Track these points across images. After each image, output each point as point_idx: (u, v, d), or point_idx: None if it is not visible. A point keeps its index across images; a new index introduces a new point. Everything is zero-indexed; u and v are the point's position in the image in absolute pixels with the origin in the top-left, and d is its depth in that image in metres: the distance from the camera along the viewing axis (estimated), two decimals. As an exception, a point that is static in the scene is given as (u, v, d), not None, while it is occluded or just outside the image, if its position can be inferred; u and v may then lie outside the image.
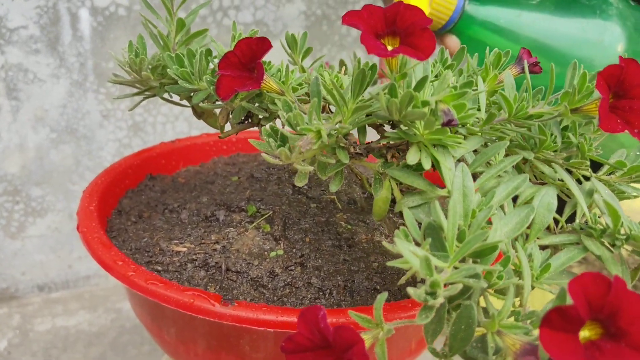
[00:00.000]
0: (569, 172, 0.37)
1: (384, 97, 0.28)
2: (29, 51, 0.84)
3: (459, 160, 0.33)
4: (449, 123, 0.26)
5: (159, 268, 0.39)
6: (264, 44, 0.30)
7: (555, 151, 0.35)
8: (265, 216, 0.43)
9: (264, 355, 0.37)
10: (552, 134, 0.35)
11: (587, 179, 0.37)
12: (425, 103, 0.27)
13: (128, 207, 0.47)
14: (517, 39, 0.54)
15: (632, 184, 0.36)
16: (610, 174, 0.36)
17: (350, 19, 0.27)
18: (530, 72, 0.37)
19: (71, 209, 0.95)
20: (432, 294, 0.24)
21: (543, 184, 0.35)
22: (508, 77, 0.35)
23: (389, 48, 0.27)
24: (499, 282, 0.26)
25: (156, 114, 0.95)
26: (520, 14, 0.55)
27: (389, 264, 0.26)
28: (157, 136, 0.96)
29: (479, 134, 0.33)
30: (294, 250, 0.40)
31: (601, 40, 0.53)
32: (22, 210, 0.91)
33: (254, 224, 0.42)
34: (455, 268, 0.26)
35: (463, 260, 0.28)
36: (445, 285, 0.26)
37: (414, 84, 0.29)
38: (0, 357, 0.84)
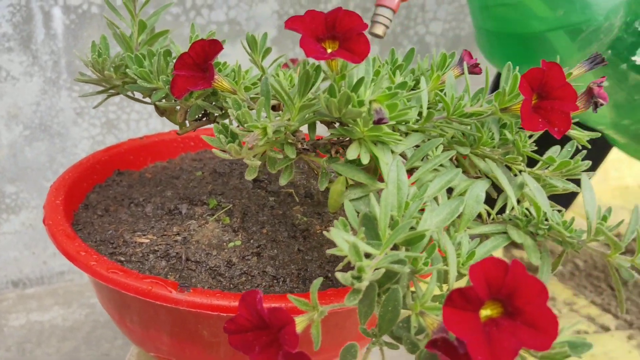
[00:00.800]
0: (509, 167, 0.40)
1: (324, 97, 0.30)
2: (2, 49, 0.85)
3: (401, 156, 0.36)
4: (379, 121, 0.29)
5: (122, 259, 0.41)
6: (215, 46, 0.32)
7: (494, 147, 0.38)
8: (225, 209, 0.45)
9: (221, 339, 0.39)
10: (490, 132, 0.38)
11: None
12: (361, 103, 0.29)
13: (95, 202, 0.49)
14: None
15: (567, 178, 0.39)
16: (545, 168, 0.39)
17: (292, 23, 0.29)
18: (470, 73, 0.40)
19: (45, 205, 0.96)
20: (358, 278, 0.26)
21: (484, 177, 0.38)
22: (450, 78, 0.38)
23: (329, 51, 0.30)
24: (424, 267, 0.29)
25: (130, 111, 0.96)
26: None
27: (328, 251, 0.29)
28: (131, 133, 0.98)
29: (420, 131, 0.36)
30: (251, 241, 0.42)
31: None
32: (-4, 206, 0.92)
33: (214, 217, 0.44)
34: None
35: (396, 248, 0.31)
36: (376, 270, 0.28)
37: (355, 84, 0.31)
38: (-26, 352, 0.85)
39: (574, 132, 0.40)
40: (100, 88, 0.43)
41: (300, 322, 0.29)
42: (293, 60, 0.58)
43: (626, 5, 0.54)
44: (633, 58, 0.56)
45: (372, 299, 0.29)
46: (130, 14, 0.40)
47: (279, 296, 0.35)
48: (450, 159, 0.38)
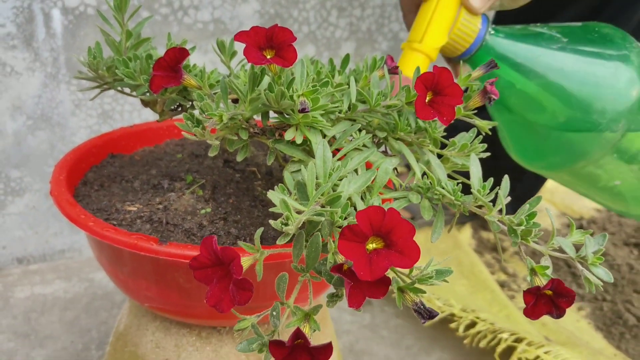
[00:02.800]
0: (434, 153, 0.49)
1: (264, 92, 0.40)
2: (7, 47, 0.94)
3: (334, 138, 0.45)
4: (303, 110, 0.38)
5: (115, 222, 0.50)
6: (183, 53, 0.42)
7: (410, 133, 0.48)
8: (199, 184, 0.54)
9: (193, 285, 0.49)
10: (407, 120, 0.47)
11: (439, 156, 0.49)
12: (291, 97, 0.39)
13: (92, 179, 0.59)
14: (533, 77, 0.56)
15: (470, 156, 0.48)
16: (452, 150, 0.48)
17: (239, 37, 0.39)
18: (390, 73, 0.50)
19: (47, 189, 1.05)
20: (286, 224, 0.36)
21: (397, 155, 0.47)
22: (374, 78, 0.48)
23: (268, 57, 0.39)
24: (340, 220, 0.38)
25: (123, 103, 1.06)
26: (541, 54, 0.55)
27: (271, 210, 0.38)
28: (125, 123, 1.07)
29: (348, 119, 0.46)
30: (219, 209, 0.52)
31: (616, 84, 0.54)
32: (2, 189, 1.02)
33: (190, 190, 0.54)
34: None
35: (324, 208, 0.40)
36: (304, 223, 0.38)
37: (288, 82, 0.41)
38: (-15, 319, 0.95)
39: (478, 121, 0.50)
40: (96, 84, 0.52)
41: (246, 261, 0.39)
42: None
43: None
44: None
45: (301, 244, 0.39)
46: (119, 24, 0.49)
47: (237, 248, 0.45)
48: (378, 142, 0.48)
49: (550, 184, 1.66)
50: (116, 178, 0.58)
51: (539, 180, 1.29)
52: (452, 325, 0.93)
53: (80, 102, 1.02)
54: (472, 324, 0.93)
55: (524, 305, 1.07)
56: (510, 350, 0.86)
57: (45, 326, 0.94)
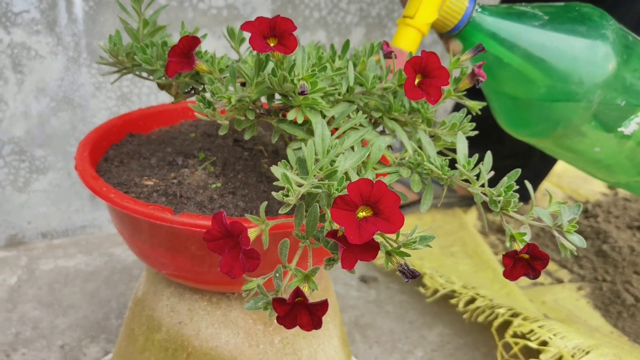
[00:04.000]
0: (426, 132, 0.53)
1: (268, 76, 0.44)
2: (31, 32, 0.99)
3: (333, 118, 0.50)
4: (302, 93, 0.42)
5: (133, 195, 0.55)
6: (195, 41, 0.46)
7: (404, 113, 0.51)
8: (211, 161, 0.59)
9: (204, 253, 0.53)
10: (401, 101, 0.51)
11: (432, 136, 0.53)
12: (292, 81, 0.43)
13: (112, 156, 0.63)
14: (516, 51, 0.60)
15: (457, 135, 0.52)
16: (443, 128, 0.52)
17: (246, 27, 0.43)
18: (385, 57, 0.53)
19: (69, 168, 1.11)
20: (287, 195, 0.40)
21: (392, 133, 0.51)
22: (371, 62, 0.51)
23: (271, 45, 0.43)
24: (336, 192, 0.43)
25: (141, 86, 1.10)
26: (524, 30, 0.59)
27: (275, 183, 0.42)
28: (142, 105, 1.12)
29: (346, 101, 0.50)
30: (228, 184, 0.56)
31: (593, 59, 0.58)
32: (27, 168, 1.07)
33: (202, 166, 0.58)
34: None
35: (322, 181, 0.44)
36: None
37: (290, 67, 0.45)
38: (12, 290, 1.01)
39: (469, 102, 0.54)
40: (115, 69, 0.57)
41: (252, 232, 0.43)
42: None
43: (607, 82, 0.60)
44: (620, 129, 0.63)
45: (302, 214, 0.43)
46: (137, 13, 0.54)
47: (244, 219, 0.49)
48: (374, 122, 0.52)
49: (558, 168, 1.68)
50: (134, 155, 0.63)
51: (546, 166, 1.32)
52: (453, 301, 0.97)
53: (100, 84, 1.07)
54: (472, 300, 0.97)
55: (523, 285, 1.12)
56: (507, 325, 0.90)
57: (68, 296, 1.00)
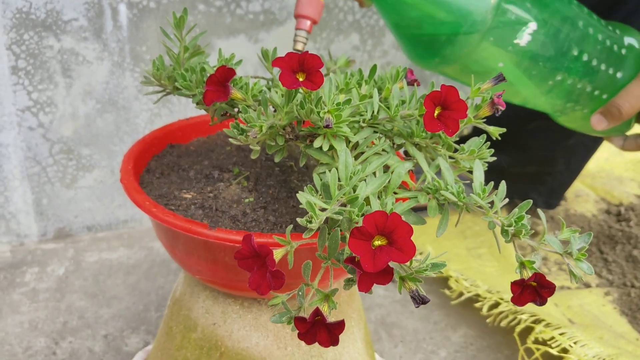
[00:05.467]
0: (446, 157, 0.56)
1: (296, 108, 0.47)
2: (79, 39, 1.05)
3: (357, 143, 0.53)
4: (327, 126, 0.46)
5: (173, 207, 0.60)
6: (230, 72, 0.50)
7: (425, 138, 0.54)
8: (244, 175, 0.63)
9: (237, 263, 0.58)
10: (423, 127, 0.54)
11: (451, 157, 0.56)
12: (318, 113, 0.46)
13: (154, 167, 0.68)
14: None
15: (478, 159, 0.54)
16: (462, 154, 0.55)
17: (276, 63, 0.46)
18: (410, 84, 0.56)
19: (113, 166, 1.17)
20: (310, 222, 0.44)
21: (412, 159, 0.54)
22: (395, 89, 0.54)
23: (300, 80, 0.47)
24: (357, 218, 0.46)
25: (181, 89, 1.15)
26: None
27: (301, 206, 0.46)
28: (182, 107, 1.17)
29: (370, 127, 0.53)
30: (260, 198, 0.60)
31: None
32: (74, 166, 1.14)
33: (236, 181, 0.62)
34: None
35: (344, 206, 0.48)
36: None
37: (316, 102, 0.48)
38: (60, 280, 1.08)
39: (489, 128, 0.56)
40: (159, 89, 0.61)
41: (278, 253, 0.47)
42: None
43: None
44: (516, 41, 0.70)
45: (324, 236, 0.47)
46: (178, 39, 0.58)
47: (269, 235, 0.53)
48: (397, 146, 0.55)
49: (592, 169, 1.67)
50: (174, 167, 0.67)
51: (571, 174, 1.32)
52: (477, 305, 1.00)
53: (142, 87, 1.12)
54: (496, 305, 0.99)
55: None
56: (530, 330, 0.92)
57: (111, 288, 1.07)
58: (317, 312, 0.42)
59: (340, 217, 0.45)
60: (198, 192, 0.61)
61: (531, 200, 0.48)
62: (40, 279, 1.08)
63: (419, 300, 0.41)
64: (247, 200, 0.60)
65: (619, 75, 0.78)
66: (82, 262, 1.13)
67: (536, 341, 0.89)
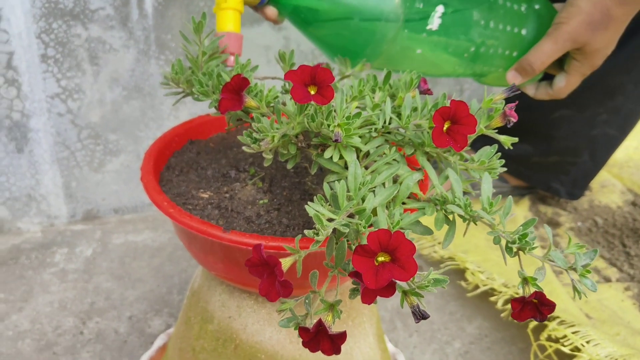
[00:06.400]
0: (457, 166, 0.57)
1: (307, 121, 0.48)
2: (106, 27, 1.07)
3: (368, 152, 0.54)
4: (336, 140, 0.47)
5: (190, 207, 0.62)
6: (245, 82, 0.51)
7: (436, 148, 0.55)
8: (260, 176, 0.65)
9: (251, 264, 0.60)
10: (433, 137, 0.54)
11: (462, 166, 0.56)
12: (328, 127, 0.47)
13: (174, 164, 0.70)
14: None
15: (488, 170, 0.55)
16: (473, 162, 0.55)
17: (289, 76, 0.47)
18: (423, 93, 0.56)
19: (139, 151, 1.20)
20: (317, 234, 0.45)
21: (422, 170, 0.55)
22: (407, 98, 0.55)
23: (312, 92, 0.48)
24: (364, 229, 0.47)
25: (205, 76, 1.17)
26: None
27: (310, 214, 0.48)
28: (206, 94, 1.19)
29: (381, 136, 0.54)
30: (274, 200, 0.62)
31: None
32: (102, 150, 1.17)
33: (252, 181, 0.64)
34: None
35: (352, 216, 0.49)
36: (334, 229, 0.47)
37: (327, 114, 0.49)
38: (88, 262, 1.13)
39: (501, 137, 0.56)
40: (178, 90, 0.63)
41: (287, 262, 0.48)
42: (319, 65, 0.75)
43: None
44: (428, 27, 0.75)
45: (332, 246, 0.48)
46: (197, 43, 0.59)
47: (283, 239, 0.55)
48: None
49: (620, 158, 1.64)
50: (193, 165, 0.69)
51: (596, 164, 1.30)
52: (492, 298, 1.01)
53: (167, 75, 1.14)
54: (512, 298, 1.00)
55: (568, 282, 1.14)
56: (544, 326, 0.93)
57: (136, 270, 1.11)
58: (320, 323, 0.44)
59: (347, 229, 0.46)
60: (215, 192, 0.63)
61: (536, 219, 0.48)
62: (69, 259, 1.12)
63: (419, 316, 0.43)
64: (261, 201, 0.62)
65: (523, 32, 0.85)
66: (109, 244, 1.17)
67: (549, 338, 0.89)
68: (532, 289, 0.46)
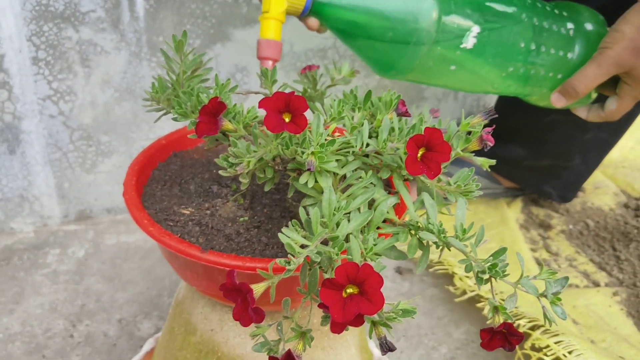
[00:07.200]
0: (434, 190, 0.57)
1: (281, 148, 0.49)
2: (97, 30, 1.07)
3: (344, 176, 0.54)
4: (309, 169, 0.47)
5: (171, 223, 0.62)
6: (221, 106, 0.51)
7: (414, 170, 0.55)
8: (241, 192, 0.65)
9: (230, 281, 0.60)
10: (411, 160, 0.55)
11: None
12: (302, 154, 0.48)
13: (158, 177, 0.71)
14: (359, 10, 0.73)
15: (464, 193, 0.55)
16: (449, 185, 0.56)
17: (263, 104, 0.47)
18: (401, 115, 0.57)
19: (131, 152, 1.20)
20: (288, 263, 0.46)
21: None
22: (385, 121, 0.55)
23: (286, 120, 0.48)
24: (336, 257, 0.48)
25: (197, 78, 1.17)
26: None
27: (284, 242, 0.48)
28: (198, 96, 1.19)
29: (358, 159, 0.54)
30: (255, 217, 0.62)
31: (421, 7, 0.73)
32: (94, 151, 1.18)
33: (233, 197, 0.64)
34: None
35: (327, 242, 0.50)
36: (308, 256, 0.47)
37: (302, 141, 0.49)
38: (79, 263, 1.13)
39: (479, 159, 0.56)
40: (160, 107, 0.63)
41: (260, 287, 0.49)
42: (310, 67, 0.75)
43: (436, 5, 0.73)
44: (462, 45, 0.75)
45: (305, 273, 0.49)
46: (178, 62, 0.59)
47: (260, 259, 0.55)
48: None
49: (615, 158, 1.64)
50: (177, 178, 0.70)
51: (588, 168, 1.30)
52: (479, 305, 1.02)
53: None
54: (498, 305, 1.00)
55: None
56: (528, 334, 0.94)
57: (127, 272, 1.12)
58: (289, 354, 0.45)
59: (320, 258, 0.47)
60: (196, 208, 0.64)
61: (506, 248, 0.48)
62: (61, 260, 1.13)
63: (386, 348, 0.43)
64: (242, 219, 0.62)
65: (569, 55, 0.85)
66: (101, 245, 1.18)
67: (533, 347, 0.90)
68: (502, 319, 0.47)
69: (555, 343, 0.87)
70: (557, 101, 0.85)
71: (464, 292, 1.07)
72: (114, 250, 1.17)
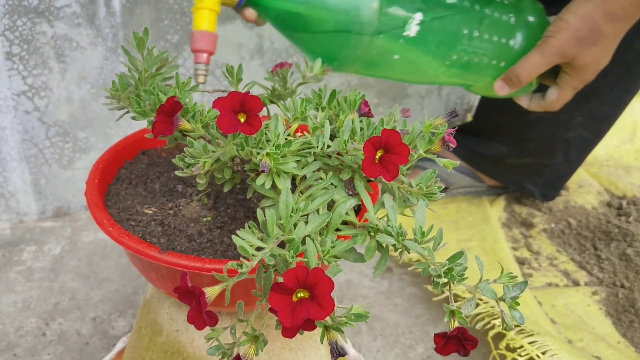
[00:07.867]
0: (396, 192, 0.56)
1: (237, 149, 0.48)
2: (73, 25, 1.05)
3: (304, 177, 0.53)
4: (263, 170, 0.46)
5: (133, 223, 0.61)
6: (178, 106, 0.50)
7: (375, 171, 0.54)
8: (205, 192, 0.64)
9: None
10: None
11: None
12: (259, 156, 0.47)
13: (124, 176, 0.69)
14: (297, 0, 0.72)
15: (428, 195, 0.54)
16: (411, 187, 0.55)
17: (217, 104, 0.47)
18: (363, 115, 0.56)
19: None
20: (240, 266, 0.45)
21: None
22: (347, 121, 0.54)
23: (241, 120, 0.47)
24: (292, 260, 0.47)
25: (175, 74, 1.15)
26: None
27: (237, 244, 0.47)
28: (176, 92, 1.17)
29: (318, 160, 0.53)
30: (218, 217, 0.61)
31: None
32: (71, 148, 1.17)
33: (197, 197, 0.64)
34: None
35: (284, 244, 0.49)
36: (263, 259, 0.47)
37: (258, 142, 0.48)
38: (55, 260, 1.12)
39: (443, 161, 0.56)
40: (121, 105, 0.62)
41: (215, 290, 0.48)
42: (282, 65, 0.74)
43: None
44: (405, 34, 0.74)
45: (260, 276, 0.48)
46: (143, 58, 0.58)
47: (220, 261, 0.54)
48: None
49: (600, 156, 1.64)
50: (142, 177, 0.68)
51: (570, 166, 1.29)
52: (457, 304, 1.01)
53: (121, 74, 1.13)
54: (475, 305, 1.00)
55: (537, 286, 1.14)
56: (503, 334, 0.93)
57: (103, 269, 1.11)
58: (238, 359, 0.44)
59: (274, 261, 0.46)
60: (159, 208, 0.63)
61: (463, 251, 0.48)
62: (37, 257, 1.12)
63: (336, 353, 0.43)
64: (205, 219, 0.61)
65: (512, 43, 0.84)
66: (77, 242, 1.17)
67: (508, 348, 0.90)
68: (456, 324, 0.46)
69: (529, 343, 0.87)
70: (501, 89, 0.85)
71: (442, 291, 1.06)
72: (91, 248, 1.16)
